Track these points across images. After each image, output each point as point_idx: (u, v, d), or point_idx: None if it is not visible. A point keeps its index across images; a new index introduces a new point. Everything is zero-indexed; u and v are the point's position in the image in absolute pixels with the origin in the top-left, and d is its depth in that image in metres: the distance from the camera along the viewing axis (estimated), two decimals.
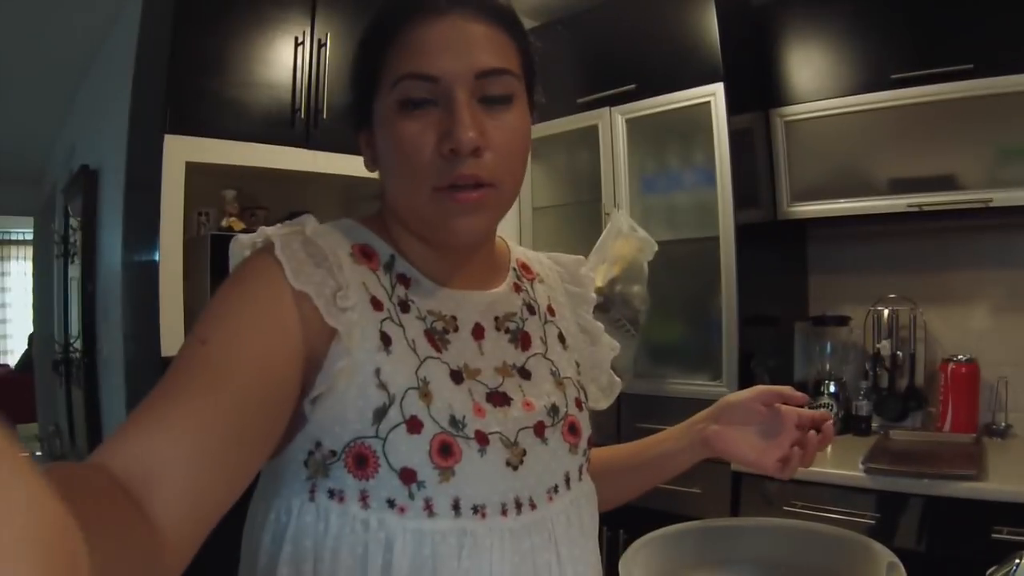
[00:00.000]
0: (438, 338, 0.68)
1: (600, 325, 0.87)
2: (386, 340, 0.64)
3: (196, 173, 2.05)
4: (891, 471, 1.82)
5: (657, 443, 0.90)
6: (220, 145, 2.06)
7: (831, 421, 0.84)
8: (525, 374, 0.73)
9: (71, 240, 3.62)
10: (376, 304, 0.65)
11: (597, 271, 2.27)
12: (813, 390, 2.39)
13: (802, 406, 0.85)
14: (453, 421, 0.64)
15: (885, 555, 0.79)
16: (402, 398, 0.62)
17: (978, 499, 1.68)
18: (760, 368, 2.22)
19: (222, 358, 0.56)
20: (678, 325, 2.41)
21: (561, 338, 0.79)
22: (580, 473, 0.74)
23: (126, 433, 0.50)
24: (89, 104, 3.64)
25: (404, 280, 0.69)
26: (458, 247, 0.70)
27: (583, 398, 0.79)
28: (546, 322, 0.79)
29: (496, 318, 0.73)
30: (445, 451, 0.62)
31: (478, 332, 0.71)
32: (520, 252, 0.84)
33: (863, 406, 2.27)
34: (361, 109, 0.69)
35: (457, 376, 0.67)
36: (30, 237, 6.86)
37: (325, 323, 0.61)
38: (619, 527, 2.24)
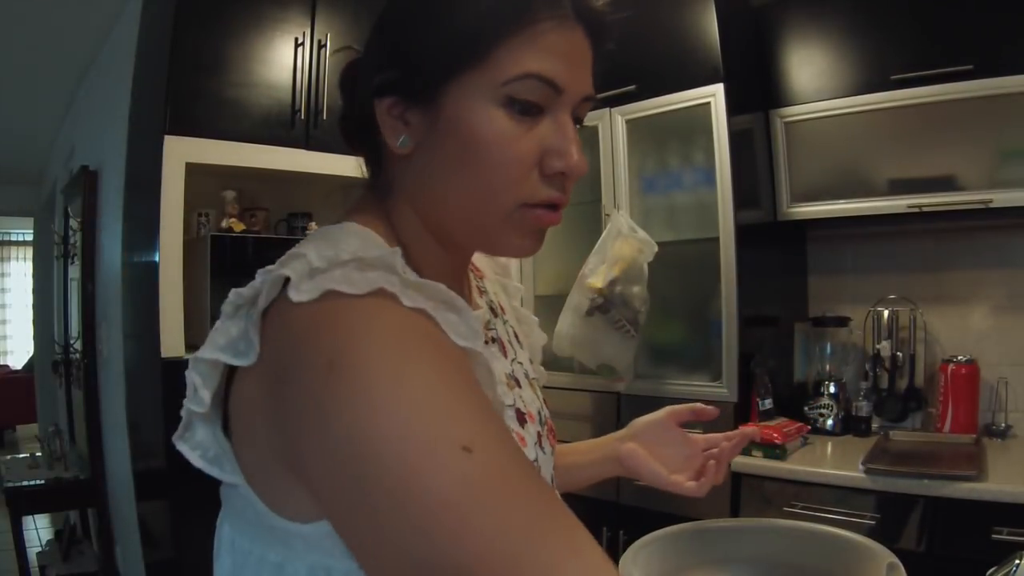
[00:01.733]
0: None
1: (529, 314, 0.84)
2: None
3: (196, 174, 2.05)
4: (891, 472, 1.81)
5: (562, 455, 0.85)
6: (220, 146, 2.06)
7: (741, 429, 0.85)
8: (516, 383, 0.71)
9: (71, 240, 3.62)
10: None
11: (597, 272, 2.27)
12: (813, 391, 2.39)
13: (715, 420, 0.85)
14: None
15: (885, 555, 0.79)
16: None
17: (978, 499, 1.68)
18: (760, 369, 2.22)
19: (507, 459, 0.44)
20: (678, 326, 2.41)
21: (515, 335, 0.78)
22: (552, 475, 0.74)
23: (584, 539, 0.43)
24: (89, 104, 3.64)
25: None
26: (502, 255, 0.71)
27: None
28: (504, 323, 0.77)
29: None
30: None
31: None
32: None
33: (863, 407, 2.27)
34: (419, 80, 0.57)
35: None
36: (30, 237, 6.86)
37: None
38: (619, 527, 2.24)
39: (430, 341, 0.47)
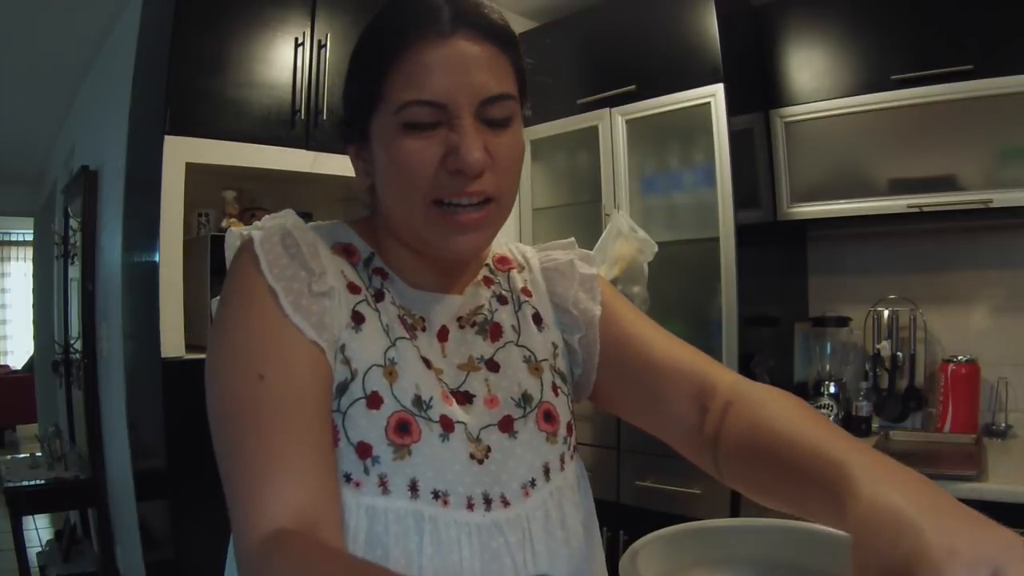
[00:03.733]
0: (408, 329, 0.69)
1: (591, 309, 0.79)
2: (357, 319, 0.66)
3: (196, 174, 2.05)
4: None
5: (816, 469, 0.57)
6: (220, 146, 2.06)
7: None
8: (493, 366, 0.72)
9: (71, 240, 3.62)
10: (353, 288, 0.68)
11: None
12: (813, 391, 2.39)
13: None
14: (418, 401, 0.65)
15: None
16: (365, 373, 0.64)
17: (978, 499, 1.68)
18: (760, 369, 2.22)
19: (289, 390, 0.60)
20: (678, 325, 2.41)
21: (537, 319, 0.78)
22: (562, 463, 0.72)
23: (275, 491, 0.56)
24: (89, 104, 3.64)
25: (382, 273, 0.71)
26: (453, 260, 0.71)
27: (562, 382, 0.77)
28: (519, 307, 0.78)
29: (460, 317, 0.74)
30: (402, 429, 0.63)
31: (443, 334, 0.72)
32: (504, 249, 0.84)
33: (863, 407, 2.27)
34: (355, 126, 0.69)
35: (427, 362, 0.68)
36: (30, 237, 6.86)
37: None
38: (619, 527, 2.24)
39: (256, 288, 0.63)
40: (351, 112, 0.69)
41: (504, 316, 0.76)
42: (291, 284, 0.63)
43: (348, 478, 0.62)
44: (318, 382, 0.62)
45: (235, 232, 0.69)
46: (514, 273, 0.81)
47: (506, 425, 0.70)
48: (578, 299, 0.79)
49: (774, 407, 0.64)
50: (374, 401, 0.64)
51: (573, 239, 0.86)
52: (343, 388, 0.64)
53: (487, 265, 0.80)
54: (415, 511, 0.62)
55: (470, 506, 0.64)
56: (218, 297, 0.66)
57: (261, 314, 0.62)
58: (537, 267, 0.83)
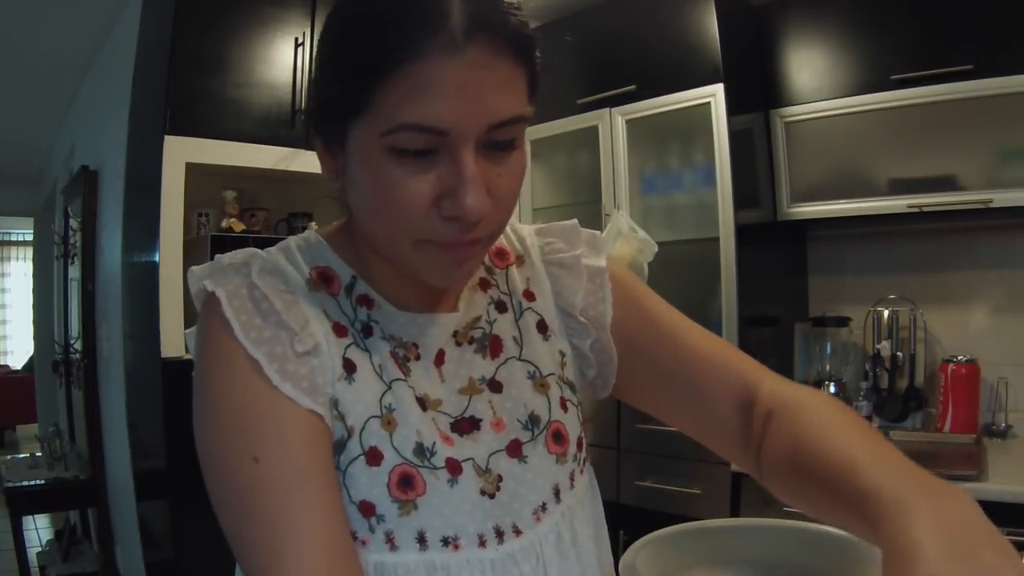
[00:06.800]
0: (401, 365, 0.64)
1: (602, 315, 0.73)
2: (349, 367, 0.61)
3: (196, 174, 2.05)
4: None
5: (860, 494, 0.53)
6: (220, 146, 2.06)
7: None
8: (496, 386, 0.67)
9: (71, 240, 3.62)
10: (339, 330, 0.62)
11: None
12: None
13: None
14: (420, 450, 0.60)
15: None
16: (362, 429, 0.60)
17: (978, 500, 1.67)
18: None
19: (287, 469, 0.55)
20: None
21: (541, 326, 0.72)
22: (572, 481, 0.69)
23: None
24: (89, 104, 3.65)
25: (367, 301, 0.64)
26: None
27: (571, 393, 0.72)
28: (521, 315, 0.71)
29: (455, 332, 0.67)
30: (406, 483, 0.59)
31: (439, 358, 0.66)
32: (499, 236, 0.73)
33: (863, 407, 2.27)
34: (328, 123, 0.59)
35: (422, 403, 0.63)
36: (30, 237, 6.87)
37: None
38: (619, 527, 2.24)
39: (235, 358, 0.56)
40: (323, 109, 0.59)
41: (504, 327, 0.70)
42: (272, 349, 0.56)
43: (353, 536, 0.59)
44: (318, 452, 0.57)
45: (196, 275, 0.61)
46: (513, 270, 0.73)
47: (514, 450, 0.65)
48: (587, 304, 0.73)
49: (815, 419, 0.62)
50: (373, 457, 0.59)
51: (576, 221, 0.76)
52: (340, 446, 0.59)
53: (482, 263, 0.72)
54: (426, 562, 0.59)
55: (482, 543, 0.61)
56: (193, 331, 0.61)
57: (246, 388, 0.56)
58: (538, 258, 0.75)
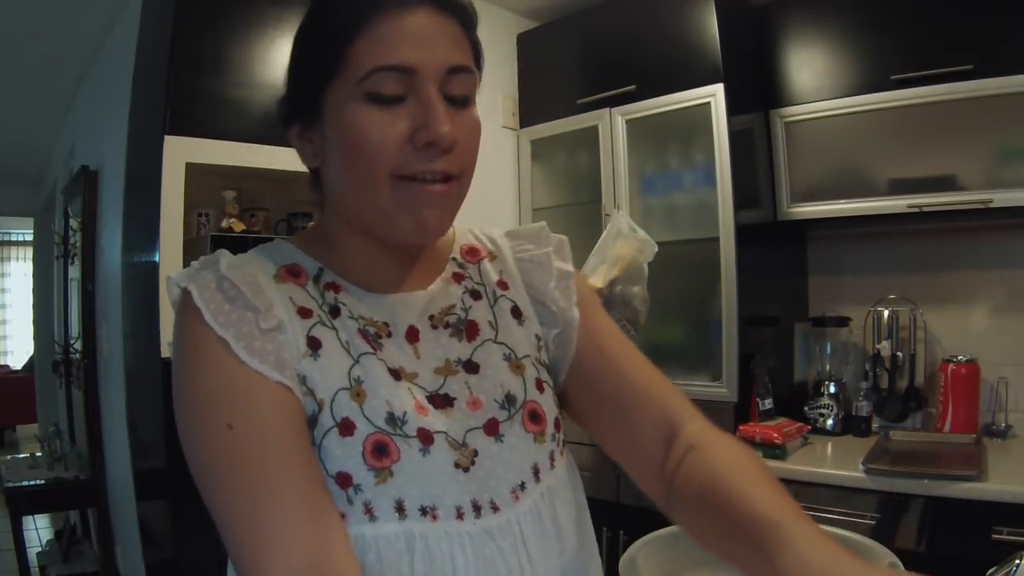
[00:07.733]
0: (372, 341, 0.66)
1: (569, 309, 0.77)
2: (313, 344, 0.63)
3: (196, 174, 2.05)
4: (891, 472, 1.81)
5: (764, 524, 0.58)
6: (220, 146, 2.06)
7: None
8: (472, 367, 0.70)
9: (71, 240, 3.62)
10: (304, 313, 0.65)
11: (597, 272, 2.27)
12: (813, 391, 2.39)
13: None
14: (391, 419, 0.62)
15: (885, 555, 0.79)
16: (332, 401, 0.62)
17: (978, 499, 1.68)
18: (760, 369, 2.22)
19: (261, 437, 0.58)
20: (678, 325, 2.41)
21: (516, 312, 0.75)
22: (552, 461, 0.71)
23: (274, 556, 0.55)
24: (89, 104, 3.64)
25: (334, 287, 0.68)
26: (416, 243, 0.69)
27: (546, 376, 0.75)
28: (495, 301, 0.75)
29: (431, 316, 0.71)
30: (380, 451, 0.61)
31: (412, 335, 0.69)
32: (469, 237, 0.80)
33: (863, 407, 2.27)
34: (304, 100, 0.67)
35: (395, 374, 0.65)
36: (30, 237, 6.87)
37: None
38: (619, 527, 2.24)
39: (205, 338, 0.60)
40: (299, 86, 0.68)
41: (480, 312, 0.73)
42: (240, 329, 0.60)
43: None
44: (291, 421, 0.60)
45: (172, 280, 0.65)
46: (486, 263, 0.77)
47: (491, 428, 0.68)
48: (555, 296, 0.77)
49: (731, 463, 0.66)
50: (346, 428, 0.61)
51: (544, 223, 0.82)
52: (313, 420, 0.61)
53: (454, 259, 0.76)
54: (405, 531, 0.60)
55: (460, 516, 0.63)
56: (171, 343, 0.64)
57: (218, 367, 0.59)
58: (510, 256, 0.79)
